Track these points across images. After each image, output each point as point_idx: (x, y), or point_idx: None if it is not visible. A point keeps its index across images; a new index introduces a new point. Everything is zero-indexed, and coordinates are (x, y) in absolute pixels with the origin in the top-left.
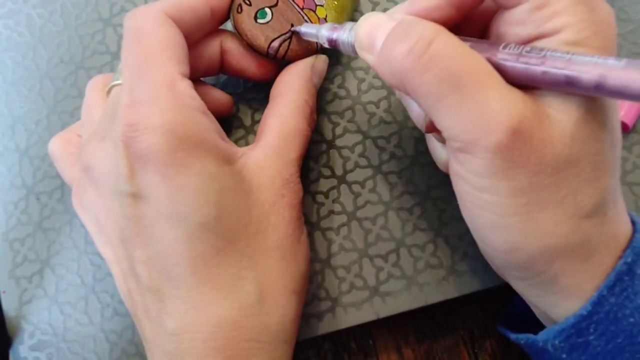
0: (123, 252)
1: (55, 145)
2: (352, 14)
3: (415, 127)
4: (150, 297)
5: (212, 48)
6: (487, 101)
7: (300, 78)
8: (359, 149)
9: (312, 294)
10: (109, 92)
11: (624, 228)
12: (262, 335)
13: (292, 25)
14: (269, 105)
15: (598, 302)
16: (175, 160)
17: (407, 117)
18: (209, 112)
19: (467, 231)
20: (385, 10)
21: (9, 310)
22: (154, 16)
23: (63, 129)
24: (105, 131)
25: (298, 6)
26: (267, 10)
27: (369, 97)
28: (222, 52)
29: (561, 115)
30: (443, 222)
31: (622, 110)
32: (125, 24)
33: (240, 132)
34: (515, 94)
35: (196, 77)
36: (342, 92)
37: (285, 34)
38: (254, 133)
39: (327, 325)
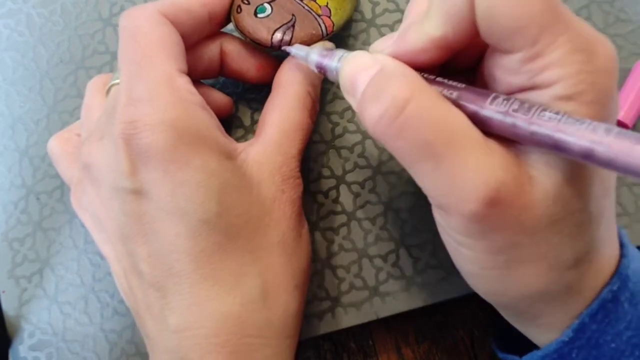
0: (124, 249)
1: (54, 145)
2: (355, 4)
3: None
4: (153, 294)
5: (211, 50)
6: (463, 168)
7: (302, 68)
8: (358, 149)
9: (312, 294)
10: (108, 91)
11: (611, 260)
12: (264, 330)
13: (293, 16)
14: (270, 98)
15: (579, 329)
16: (176, 156)
17: None
18: (208, 107)
19: None
20: (385, 10)
21: (9, 310)
22: (149, 15)
23: (63, 129)
24: (105, 130)
25: None
26: (266, 5)
27: None
28: (222, 55)
29: (545, 177)
30: None
31: (622, 111)
32: (120, 23)
33: (240, 132)
34: (495, 158)
35: (196, 79)
36: (341, 93)
37: (286, 23)
38: (254, 132)
39: (326, 325)
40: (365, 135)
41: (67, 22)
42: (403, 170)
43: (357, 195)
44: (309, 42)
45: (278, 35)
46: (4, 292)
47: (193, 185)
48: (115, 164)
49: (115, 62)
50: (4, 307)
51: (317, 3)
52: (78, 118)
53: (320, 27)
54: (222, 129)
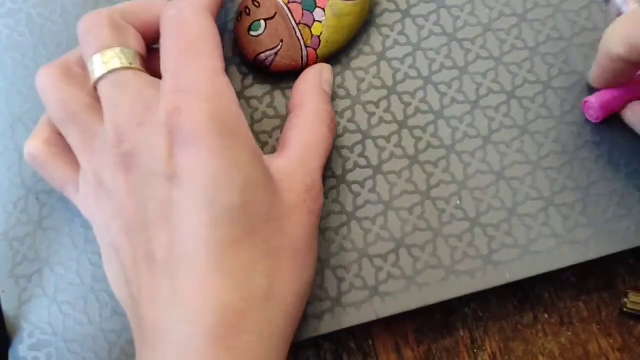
0: (142, 236)
1: (36, 150)
2: (353, 34)
3: (415, 127)
4: (161, 281)
5: None
6: None
7: (314, 87)
8: (358, 148)
9: (312, 294)
10: (95, 84)
11: None
12: (264, 329)
13: (281, 42)
14: (289, 118)
15: None
16: (213, 146)
17: (407, 117)
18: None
19: (466, 231)
20: (384, 10)
21: (8, 310)
22: (196, 9)
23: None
24: (143, 114)
25: (295, 21)
26: (262, 22)
27: (369, 97)
28: None
29: None
30: (443, 222)
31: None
32: (165, 13)
33: None
34: None
35: None
36: (341, 92)
37: (271, 49)
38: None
39: (326, 325)
40: (366, 135)
41: (67, 22)
42: (403, 169)
43: (357, 195)
44: (287, 68)
45: (259, 59)
46: (3, 291)
47: (223, 175)
48: (154, 149)
49: None
50: (3, 307)
51: (310, 31)
52: None
53: (302, 59)
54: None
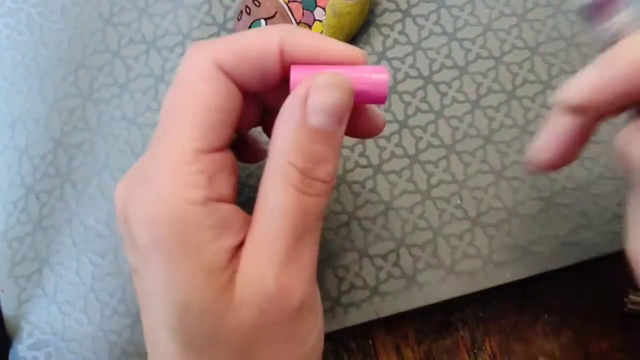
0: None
1: None
2: (353, 34)
3: (415, 126)
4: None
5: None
6: None
7: (283, 130)
8: (358, 148)
9: None
10: None
11: None
12: None
13: None
14: (260, 186)
15: None
16: (154, 256)
17: (407, 116)
18: (213, 202)
19: (466, 231)
20: (384, 10)
21: (8, 310)
22: (200, 64)
23: (63, 128)
24: (126, 182)
25: (295, 20)
26: (262, 22)
27: None
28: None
29: None
30: (443, 222)
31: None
32: (181, 62)
33: None
34: None
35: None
36: None
37: None
38: None
39: (327, 325)
40: None
41: (67, 21)
42: (403, 169)
43: (357, 195)
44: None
45: None
46: (3, 291)
47: (158, 291)
48: (124, 234)
49: (116, 61)
50: (3, 306)
51: (311, 30)
52: (78, 117)
53: None
54: (227, 227)
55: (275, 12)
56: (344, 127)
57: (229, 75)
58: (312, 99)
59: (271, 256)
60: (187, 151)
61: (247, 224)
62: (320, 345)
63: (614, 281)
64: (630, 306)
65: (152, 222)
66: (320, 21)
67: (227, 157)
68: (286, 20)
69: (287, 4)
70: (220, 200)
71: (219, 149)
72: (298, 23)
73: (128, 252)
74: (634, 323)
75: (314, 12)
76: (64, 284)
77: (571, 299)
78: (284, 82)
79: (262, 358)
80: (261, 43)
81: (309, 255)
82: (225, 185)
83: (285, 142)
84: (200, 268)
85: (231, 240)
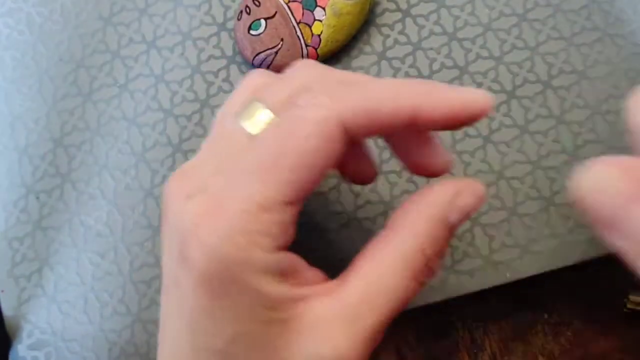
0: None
1: None
2: (353, 33)
3: None
4: None
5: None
6: None
7: (427, 217)
8: None
9: None
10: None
11: None
12: None
13: (281, 41)
14: (375, 241)
15: None
16: (206, 286)
17: None
18: (280, 250)
19: (466, 231)
20: (384, 10)
21: (8, 310)
22: (324, 123)
23: (63, 128)
24: (194, 189)
25: (295, 19)
26: (262, 21)
27: None
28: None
29: None
30: None
31: None
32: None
33: None
34: None
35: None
36: None
37: (271, 48)
38: None
39: None
40: None
41: (67, 21)
42: (403, 169)
43: (357, 195)
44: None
45: (259, 58)
46: (3, 291)
47: (210, 317)
48: (172, 245)
49: (116, 60)
50: (3, 306)
51: (311, 30)
52: (78, 117)
53: (302, 58)
54: (290, 269)
55: (275, 12)
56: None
57: (349, 133)
58: (461, 200)
59: (353, 329)
60: (276, 201)
61: (308, 272)
62: None
63: (614, 281)
64: (630, 306)
65: (217, 256)
66: (320, 21)
67: (300, 207)
68: (286, 20)
69: (287, 4)
70: (284, 248)
71: (301, 201)
72: (298, 23)
73: (169, 262)
74: (634, 323)
75: (314, 12)
76: (63, 284)
77: (571, 299)
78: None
79: None
80: (395, 106)
81: (377, 341)
82: (291, 234)
83: (424, 229)
84: (262, 305)
85: (295, 290)
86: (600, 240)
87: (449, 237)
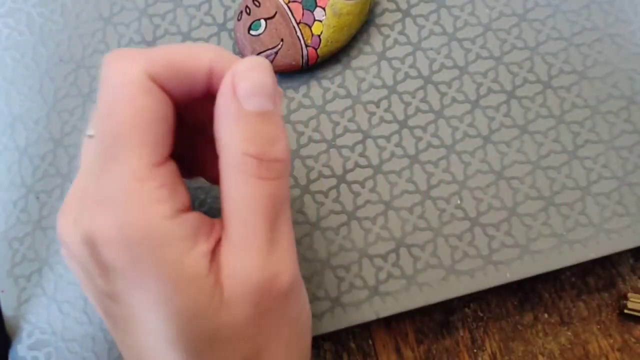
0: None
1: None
2: (353, 34)
3: (415, 126)
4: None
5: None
6: None
7: (227, 120)
8: (358, 148)
9: (311, 293)
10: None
11: None
12: None
13: (281, 41)
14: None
15: None
16: (134, 275)
17: (407, 117)
18: (181, 213)
19: (466, 231)
20: (384, 10)
21: (8, 310)
22: (132, 80)
23: (63, 128)
24: (77, 212)
25: (295, 20)
26: (262, 22)
27: (369, 97)
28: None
29: None
30: (443, 222)
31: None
32: (103, 73)
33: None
34: None
35: None
36: (342, 92)
37: (272, 48)
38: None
39: (326, 325)
40: (366, 135)
41: (67, 21)
42: (403, 169)
43: (357, 195)
44: (286, 71)
45: None
46: (3, 291)
47: (149, 307)
48: (88, 266)
49: None
50: (3, 306)
51: (311, 30)
52: (78, 117)
53: (302, 58)
54: (199, 234)
55: (275, 13)
56: (279, 103)
57: (161, 87)
58: (241, 86)
59: (252, 250)
60: (143, 167)
61: (215, 227)
62: (309, 319)
63: (614, 281)
64: (629, 307)
65: (127, 244)
66: (320, 21)
67: (174, 166)
68: (286, 20)
69: (287, 4)
70: (185, 209)
71: (168, 159)
72: (298, 23)
73: (97, 281)
74: (634, 323)
75: (314, 12)
76: (63, 284)
77: (571, 299)
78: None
79: (264, 345)
80: (193, 60)
81: (287, 237)
82: (184, 194)
83: (233, 135)
84: (184, 279)
85: (206, 246)
86: (600, 241)
87: (269, 120)
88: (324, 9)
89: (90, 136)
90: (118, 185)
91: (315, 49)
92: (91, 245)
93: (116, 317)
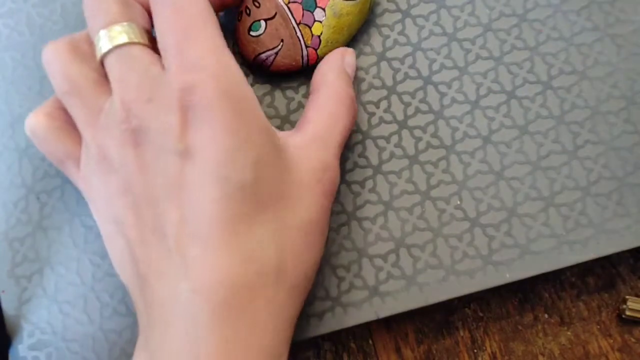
0: (152, 212)
1: (37, 123)
2: (352, 34)
3: (415, 127)
4: (172, 257)
5: None
6: None
7: (335, 71)
8: (358, 148)
9: (312, 293)
10: (102, 59)
11: None
12: (272, 305)
13: (281, 42)
14: (310, 99)
15: None
16: (226, 124)
17: (406, 116)
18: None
19: (466, 231)
20: (385, 11)
21: (8, 310)
22: None
23: None
24: (151, 91)
25: (295, 20)
26: (262, 22)
27: (369, 97)
28: None
29: None
30: (443, 222)
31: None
32: None
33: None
34: None
35: None
36: None
37: (272, 49)
38: (290, 122)
39: (326, 325)
40: (365, 135)
41: (68, 21)
42: (403, 169)
43: (357, 195)
44: (285, 71)
45: (260, 59)
46: (3, 291)
47: (236, 153)
48: (165, 126)
49: None
50: (3, 306)
51: (311, 31)
52: None
53: (302, 59)
54: None
55: (275, 13)
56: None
57: None
58: (348, 58)
59: (328, 143)
60: (220, 42)
61: None
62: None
63: (614, 281)
64: (628, 313)
65: (225, 95)
66: (320, 22)
67: None
68: (286, 21)
69: (287, 5)
70: None
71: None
72: (298, 24)
73: (176, 141)
74: (634, 324)
75: (314, 13)
76: (64, 284)
77: (571, 299)
78: None
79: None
80: None
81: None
82: None
83: (333, 72)
84: (266, 130)
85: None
86: (600, 241)
87: (351, 84)
88: (323, 9)
89: (109, 50)
90: (204, 53)
91: (315, 50)
92: (187, 99)
93: (180, 178)
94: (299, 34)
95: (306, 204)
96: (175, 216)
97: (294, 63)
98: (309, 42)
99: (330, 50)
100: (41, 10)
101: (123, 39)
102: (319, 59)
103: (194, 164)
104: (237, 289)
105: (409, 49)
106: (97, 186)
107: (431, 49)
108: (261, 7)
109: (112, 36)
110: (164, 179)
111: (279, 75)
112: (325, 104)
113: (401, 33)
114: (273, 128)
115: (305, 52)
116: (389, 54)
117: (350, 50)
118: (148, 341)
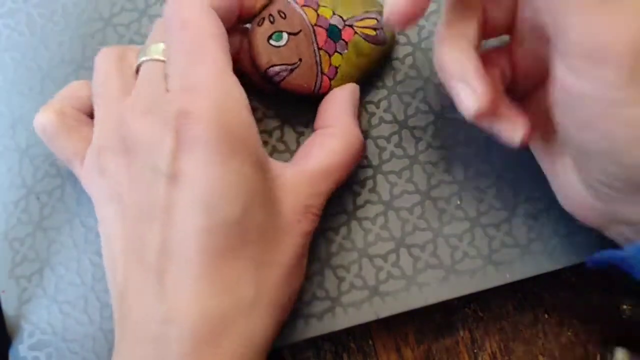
0: (135, 229)
1: (48, 119)
2: (368, 75)
3: (415, 127)
4: (150, 279)
5: (232, 44)
6: None
7: (350, 112)
8: None
9: (311, 294)
10: (137, 68)
11: None
12: (246, 338)
13: (300, 61)
14: (318, 134)
15: None
16: (219, 153)
17: (407, 117)
18: (251, 110)
19: (466, 231)
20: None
21: (9, 310)
22: (199, 5)
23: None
24: (152, 105)
25: (317, 44)
26: (285, 35)
27: (369, 98)
28: (240, 51)
29: None
30: (443, 222)
31: None
32: (166, 11)
33: (286, 156)
34: None
35: None
36: None
37: (288, 64)
38: None
39: (326, 325)
40: (366, 135)
41: (68, 22)
42: (403, 169)
43: (357, 195)
44: (297, 90)
45: (273, 70)
46: (3, 292)
47: (226, 184)
48: (159, 145)
49: None
50: (3, 307)
51: (330, 59)
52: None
53: (315, 85)
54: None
55: (300, 30)
56: None
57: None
58: (357, 96)
59: (319, 187)
60: (225, 64)
61: None
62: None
63: (614, 281)
64: (625, 316)
65: (220, 123)
66: (341, 54)
67: None
68: (309, 41)
69: (312, 26)
70: None
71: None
72: (319, 48)
73: (166, 162)
74: (634, 323)
75: (337, 43)
76: (64, 285)
77: (571, 299)
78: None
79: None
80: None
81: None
82: None
83: (347, 114)
84: (259, 164)
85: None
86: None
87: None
88: (347, 43)
89: (147, 61)
90: (207, 75)
91: (330, 79)
92: (182, 122)
93: (165, 201)
94: (318, 58)
95: (286, 243)
96: (159, 239)
97: (305, 85)
98: (325, 70)
99: (342, 84)
100: (42, 10)
101: (158, 54)
102: (330, 89)
103: (182, 190)
104: (211, 319)
105: (408, 49)
106: (95, 187)
107: (431, 49)
108: (287, 19)
109: (152, 50)
110: (152, 197)
111: (284, 94)
112: (333, 146)
113: (401, 33)
114: (268, 159)
115: (320, 78)
116: (390, 54)
117: (357, 87)
118: (116, 355)
